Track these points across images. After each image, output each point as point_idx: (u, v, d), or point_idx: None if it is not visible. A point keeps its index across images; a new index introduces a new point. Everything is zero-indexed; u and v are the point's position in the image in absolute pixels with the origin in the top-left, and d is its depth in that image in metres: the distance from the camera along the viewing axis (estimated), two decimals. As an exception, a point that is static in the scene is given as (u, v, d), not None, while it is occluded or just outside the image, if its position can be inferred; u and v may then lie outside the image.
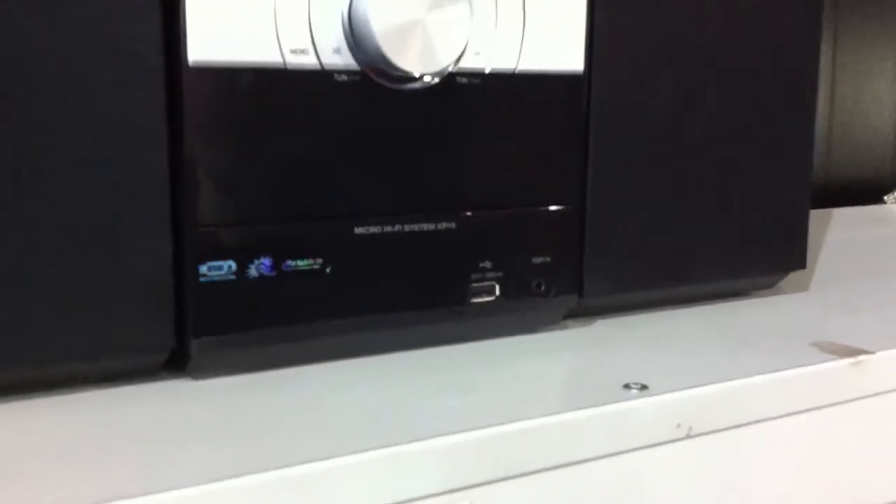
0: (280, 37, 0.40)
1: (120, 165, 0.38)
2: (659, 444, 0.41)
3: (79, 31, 0.36)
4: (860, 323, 0.53)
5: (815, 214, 0.91)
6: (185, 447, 0.35)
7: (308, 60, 0.41)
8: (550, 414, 0.38)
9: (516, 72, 0.46)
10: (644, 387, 0.41)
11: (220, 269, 0.40)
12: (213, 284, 0.40)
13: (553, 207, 0.48)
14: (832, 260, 0.71)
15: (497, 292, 0.47)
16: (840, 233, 0.85)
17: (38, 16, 0.36)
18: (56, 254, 0.37)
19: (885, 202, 1.07)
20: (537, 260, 0.48)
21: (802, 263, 0.59)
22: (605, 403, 0.39)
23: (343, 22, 0.41)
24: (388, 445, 0.34)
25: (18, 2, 0.35)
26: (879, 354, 0.47)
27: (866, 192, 1.09)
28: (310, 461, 0.33)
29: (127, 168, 0.38)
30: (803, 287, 0.62)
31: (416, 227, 0.44)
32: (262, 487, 0.32)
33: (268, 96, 0.40)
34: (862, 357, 0.47)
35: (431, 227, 0.45)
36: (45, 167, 0.36)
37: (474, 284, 0.46)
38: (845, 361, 0.46)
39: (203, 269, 0.40)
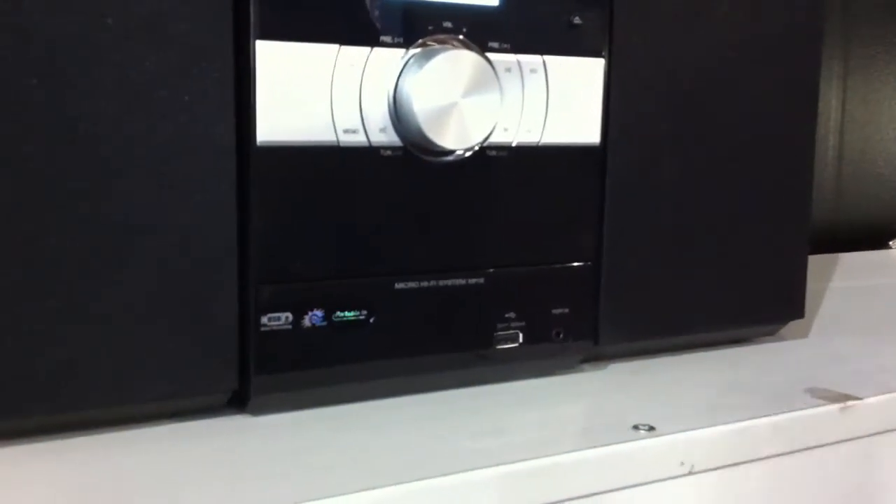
0: (335, 119, 0.46)
1: (197, 229, 0.44)
2: (663, 479, 0.46)
3: (165, 115, 0.42)
4: (852, 370, 0.58)
5: (822, 259, 0.96)
6: (250, 475, 0.40)
7: (358, 139, 0.46)
8: (571, 451, 0.43)
9: (540, 145, 0.52)
10: (651, 428, 0.47)
11: (278, 319, 0.46)
12: (272, 333, 0.46)
13: (572, 264, 0.54)
14: (835, 306, 0.76)
15: (520, 339, 0.53)
16: (845, 279, 0.90)
17: (136, 99, 0.42)
18: (138, 309, 0.43)
19: (890, 247, 1.12)
20: (557, 311, 0.54)
21: (801, 313, 0.64)
22: (616, 443, 0.45)
23: (388, 104, 0.47)
24: (447, 474, 0.40)
25: (118, 87, 0.41)
26: (866, 400, 0.52)
27: (874, 236, 1.13)
28: (375, 488, 0.38)
29: (202, 231, 0.44)
30: (804, 333, 0.67)
31: (448, 283, 0.50)
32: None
33: (323, 170, 0.46)
34: (850, 402, 0.52)
35: (462, 282, 0.51)
36: (132, 231, 0.42)
37: (500, 333, 0.52)
38: (835, 406, 0.51)
39: (264, 319, 0.46)
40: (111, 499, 0.38)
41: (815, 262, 0.94)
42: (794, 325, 0.65)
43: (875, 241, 1.12)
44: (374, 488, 0.39)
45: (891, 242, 1.12)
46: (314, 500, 0.38)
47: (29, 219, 0.40)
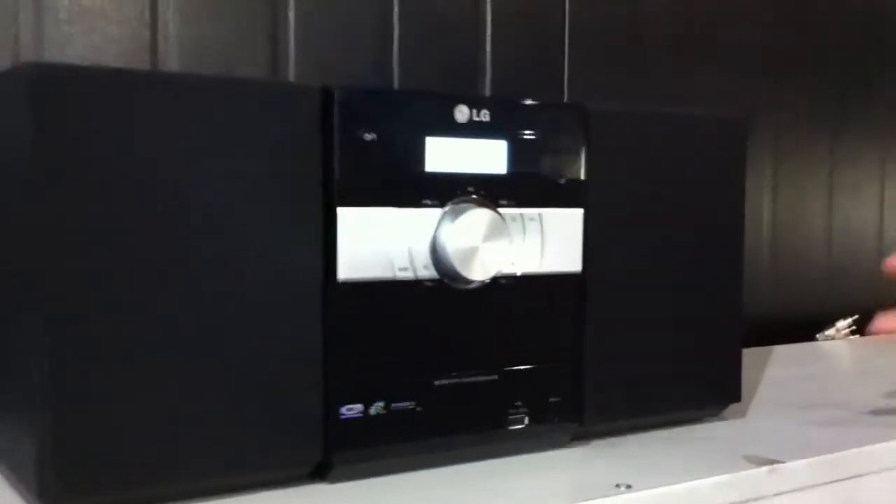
0: (393, 262, 0.63)
1: (294, 345, 0.60)
2: (639, 524, 0.62)
3: (272, 260, 0.59)
4: (780, 441, 0.75)
5: (760, 351, 1.14)
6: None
7: (408, 275, 0.63)
8: (569, 504, 0.60)
9: (537, 274, 0.69)
10: (629, 486, 0.63)
11: (352, 409, 0.62)
12: (348, 420, 0.62)
13: (562, 363, 0.71)
14: (769, 392, 0.93)
15: (526, 422, 0.69)
16: (777, 368, 1.07)
17: (253, 249, 0.58)
18: (249, 402, 0.58)
19: (817, 339, 1.30)
20: (552, 399, 0.70)
21: (738, 397, 0.81)
22: (603, 497, 0.61)
23: (430, 248, 0.64)
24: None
25: (217, 235, 0.58)
26: (788, 464, 0.69)
27: (804, 328, 1.32)
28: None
29: (299, 347, 0.60)
30: (742, 414, 0.83)
31: (472, 379, 0.67)
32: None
33: (383, 298, 0.63)
34: (776, 465, 0.69)
35: (483, 378, 0.67)
36: (247, 346, 0.58)
37: (511, 416, 0.68)
38: (763, 469, 0.68)
39: (342, 410, 0.61)
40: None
41: (755, 353, 1.12)
42: (734, 407, 0.82)
43: (804, 333, 1.31)
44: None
45: (818, 335, 1.31)
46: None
47: (152, 334, 0.56)
